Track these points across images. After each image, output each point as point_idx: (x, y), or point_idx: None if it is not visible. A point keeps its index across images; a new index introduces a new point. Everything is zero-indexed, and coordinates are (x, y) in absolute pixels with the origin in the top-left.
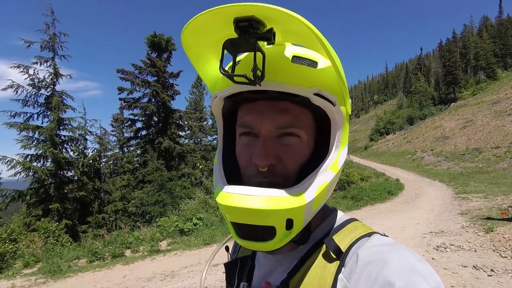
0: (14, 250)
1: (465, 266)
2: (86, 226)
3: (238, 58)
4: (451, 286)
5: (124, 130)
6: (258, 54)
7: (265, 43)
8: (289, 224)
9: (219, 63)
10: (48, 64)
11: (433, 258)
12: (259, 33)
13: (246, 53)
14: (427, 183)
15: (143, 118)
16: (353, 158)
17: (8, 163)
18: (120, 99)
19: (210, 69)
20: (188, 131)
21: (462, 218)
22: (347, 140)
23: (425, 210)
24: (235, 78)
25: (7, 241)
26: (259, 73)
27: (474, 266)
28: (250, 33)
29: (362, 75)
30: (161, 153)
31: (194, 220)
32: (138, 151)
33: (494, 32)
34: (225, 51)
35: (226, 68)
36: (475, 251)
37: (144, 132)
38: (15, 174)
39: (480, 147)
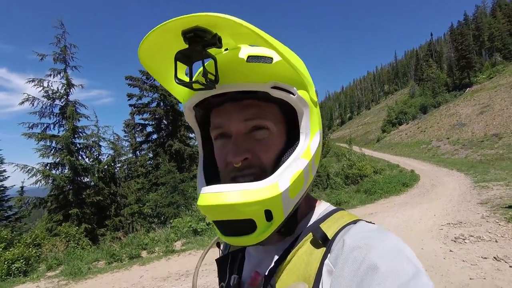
0: (38, 254)
1: (485, 258)
2: (104, 229)
3: (200, 69)
4: (470, 279)
5: (136, 135)
6: (211, 60)
7: (222, 49)
8: (269, 215)
9: (187, 75)
10: (61, 75)
11: (451, 250)
12: (206, 40)
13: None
14: (444, 173)
15: (153, 122)
16: (366, 150)
17: (29, 171)
18: (130, 105)
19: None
20: None
21: (482, 208)
22: (318, 126)
23: (443, 201)
24: (193, 85)
25: (31, 246)
26: (211, 76)
27: (494, 258)
28: (197, 41)
29: (371, 66)
30: (172, 155)
31: (207, 220)
32: (150, 155)
33: (509, 11)
34: (179, 63)
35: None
36: (496, 241)
37: (155, 136)
38: (36, 182)
39: (500, 132)
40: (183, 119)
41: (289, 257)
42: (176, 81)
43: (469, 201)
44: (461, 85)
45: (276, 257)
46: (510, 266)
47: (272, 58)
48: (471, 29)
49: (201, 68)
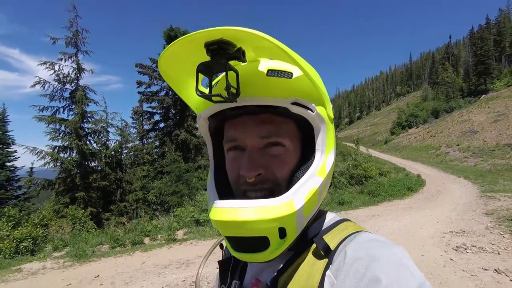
0: (45, 234)
1: (485, 269)
2: (109, 214)
3: (217, 79)
4: None
5: (143, 122)
6: (232, 73)
7: (240, 62)
8: (282, 232)
9: (203, 84)
10: (72, 60)
11: (451, 259)
12: (229, 53)
13: (222, 74)
14: (451, 180)
15: (161, 111)
16: (372, 152)
17: (38, 154)
18: (139, 92)
19: (192, 92)
20: None
21: (487, 219)
22: (333, 143)
23: (447, 208)
24: (213, 98)
25: (39, 226)
26: (233, 90)
27: (496, 270)
28: (220, 54)
29: (385, 66)
30: (178, 145)
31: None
32: (157, 143)
33: None
34: (201, 74)
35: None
36: (498, 253)
37: (162, 125)
38: (44, 164)
39: None
40: (191, 109)
41: (291, 267)
42: (198, 93)
43: (474, 210)
44: (476, 91)
45: (278, 267)
46: (510, 280)
47: (292, 73)
48: (492, 34)
49: (218, 79)
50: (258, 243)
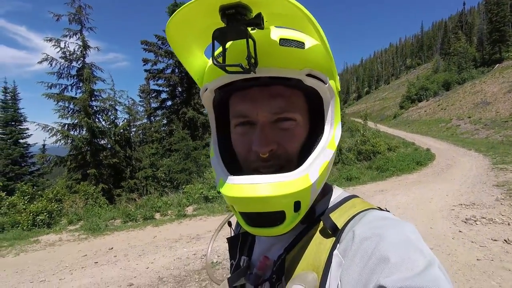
0: (59, 209)
1: (495, 240)
2: (120, 190)
3: (226, 46)
4: (477, 259)
5: (150, 100)
6: (250, 41)
7: (251, 28)
8: (297, 206)
9: (205, 53)
10: (77, 36)
11: (460, 231)
12: (247, 19)
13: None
14: (461, 153)
15: (168, 89)
16: (381, 127)
17: (50, 131)
18: (145, 70)
19: (195, 61)
20: None
21: (498, 190)
22: (340, 116)
23: (457, 181)
24: (228, 68)
25: (53, 201)
26: (252, 60)
27: (505, 240)
28: (238, 20)
29: (394, 38)
30: (186, 123)
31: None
32: (164, 121)
33: None
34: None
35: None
36: (508, 224)
37: (169, 103)
38: (56, 142)
39: None
40: (197, 87)
41: (298, 244)
42: (214, 62)
43: (485, 182)
44: (490, 60)
45: (285, 244)
46: None
47: (304, 43)
48: None
49: (227, 46)
50: (275, 218)
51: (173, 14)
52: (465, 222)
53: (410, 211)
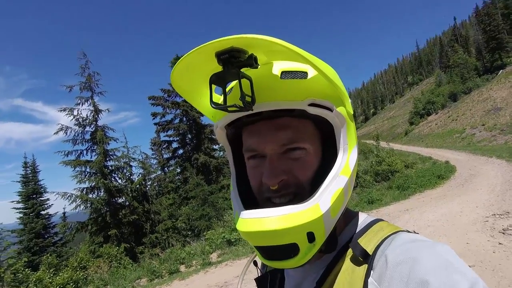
0: (85, 276)
1: None
2: (142, 247)
3: (231, 86)
4: None
5: (162, 152)
6: (246, 80)
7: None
8: (311, 237)
9: (216, 91)
10: (89, 102)
11: (500, 243)
12: (241, 61)
13: (235, 81)
14: (482, 162)
15: (178, 138)
16: (394, 145)
17: (69, 198)
18: (154, 123)
19: (206, 102)
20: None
21: None
22: (355, 140)
23: (484, 191)
24: (228, 108)
25: (78, 269)
26: (248, 99)
27: None
28: (232, 63)
29: (392, 58)
30: (199, 168)
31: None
32: (178, 170)
33: None
34: (214, 85)
35: (220, 98)
36: None
37: (180, 151)
38: (75, 207)
39: None
40: (207, 131)
41: (330, 276)
42: (213, 105)
43: None
44: (492, 67)
45: (316, 277)
46: None
47: (306, 73)
48: (499, 8)
49: (232, 86)
50: (288, 250)
51: (175, 64)
52: (503, 233)
53: (441, 228)
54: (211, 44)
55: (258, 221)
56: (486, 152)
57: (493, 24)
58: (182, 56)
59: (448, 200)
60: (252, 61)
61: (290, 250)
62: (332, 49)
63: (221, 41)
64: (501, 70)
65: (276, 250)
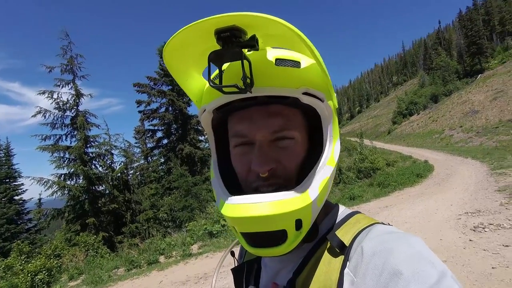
0: (59, 265)
1: (506, 246)
2: (121, 236)
3: (223, 67)
4: (492, 268)
5: (146, 141)
6: (245, 62)
7: (246, 50)
8: (298, 224)
9: (203, 76)
10: (70, 86)
11: (470, 240)
12: (242, 41)
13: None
14: (458, 162)
15: (163, 128)
16: (377, 143)
17: (45, 184)
18: (139, 111)
19: (194, 83)
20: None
21: (500, 195)
22: (338, 132)
23: (459, 190)
24: (225, 89)
25: (52, 257)
26: (248, 80)
27: None
28: (233, 42)
29: (379, 58)
30: (183, 159)
31: (222, 221)
32: (162, 160)
33: None
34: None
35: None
36: None
37: (165, 141)
38: (52, 194)
39: None
40: (193, 122)
41: (307, 267)
42: (211, 84)
43: (486, 188)
44: (472, 72)
45: (293, 267)
46: None
47: (299, 62)
48: (481, 14)
49: (224, 68)
50: (277, 237)
51: (169, 40)
52: (474, 230)
53: (418, 224)
54: (211, 20)
55: (249, 206)
56: (462, 152)
57: (475, 29)
58: (176, 32)
59: (425, 198)
60: (254, 43)
61: (279, 237)
62: (320, 47)
63: (222, 17)
64: (479, 75)
65: (265, 237)
